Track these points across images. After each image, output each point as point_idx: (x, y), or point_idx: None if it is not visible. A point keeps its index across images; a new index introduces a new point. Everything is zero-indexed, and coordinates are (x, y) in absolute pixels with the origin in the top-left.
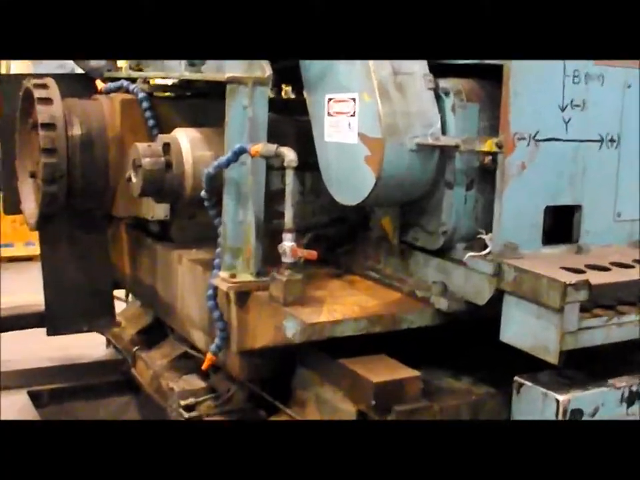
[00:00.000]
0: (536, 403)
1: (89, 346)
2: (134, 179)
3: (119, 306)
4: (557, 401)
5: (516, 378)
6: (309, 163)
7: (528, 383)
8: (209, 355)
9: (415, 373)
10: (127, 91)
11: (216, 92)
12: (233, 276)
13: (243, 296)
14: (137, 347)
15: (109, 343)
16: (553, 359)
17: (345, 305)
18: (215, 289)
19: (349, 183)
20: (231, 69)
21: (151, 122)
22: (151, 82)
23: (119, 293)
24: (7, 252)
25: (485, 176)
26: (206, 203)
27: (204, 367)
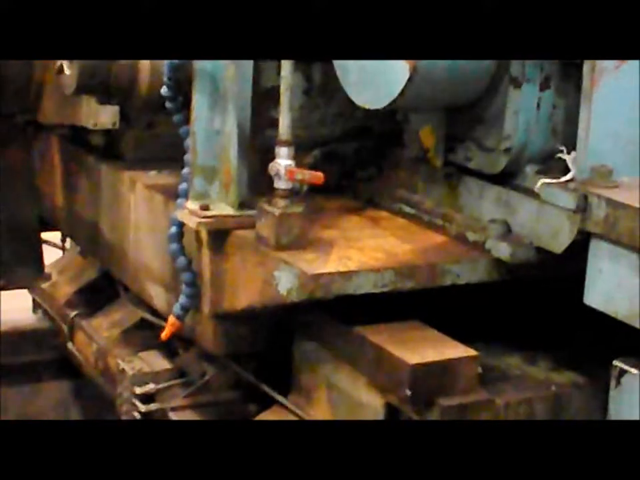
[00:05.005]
0: None
1: (7, 310)
2: (67, 70)
3: (52, 254)
4: None
5: (615, 362)
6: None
7: (633, 370)
8: (171, 320)
9: (469, 351)
10: None
11: None
12: (206, 207)
13: (220, 236)
14: (75, 312)
15: (36, 305)
16: None
17: (364, 250)
18: (181, 225)
19: (374, 77)
20: None
21: None
22: None
23: (51, 236)
24: None
25: (568, 71)
26: (168, 105)
27: (163, 336)
